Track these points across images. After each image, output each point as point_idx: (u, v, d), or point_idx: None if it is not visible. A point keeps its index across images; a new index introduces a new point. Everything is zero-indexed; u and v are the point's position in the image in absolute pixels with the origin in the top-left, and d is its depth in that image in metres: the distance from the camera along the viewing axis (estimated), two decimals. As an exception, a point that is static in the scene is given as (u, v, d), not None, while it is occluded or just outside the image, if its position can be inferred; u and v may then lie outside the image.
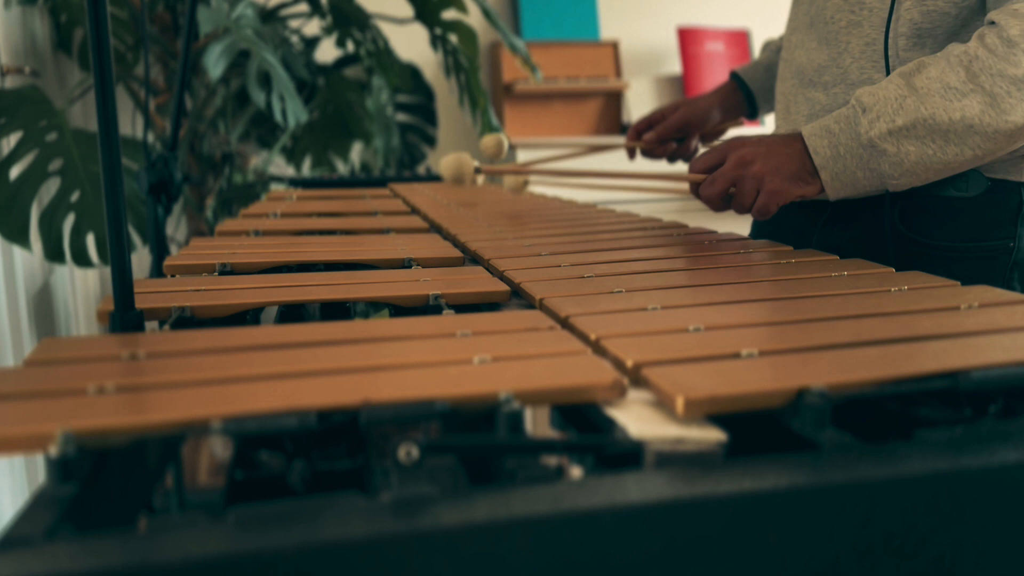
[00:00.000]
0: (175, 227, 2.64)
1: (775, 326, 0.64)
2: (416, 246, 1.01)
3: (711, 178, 0.98)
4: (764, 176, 0.95)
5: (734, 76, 1.39)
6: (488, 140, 1.27)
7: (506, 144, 1.23)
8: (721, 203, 0.99)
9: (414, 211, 1.38)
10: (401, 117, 2.92)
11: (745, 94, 1.37)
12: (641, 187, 1.17)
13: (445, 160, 1.05)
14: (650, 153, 1.39)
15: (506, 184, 1.35)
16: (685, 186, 1.05)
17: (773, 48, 1.37)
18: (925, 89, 0.89)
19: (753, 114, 1.40)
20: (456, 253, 0.97)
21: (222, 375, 0.53)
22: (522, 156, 2.77)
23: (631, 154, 1.41)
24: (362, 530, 0.38)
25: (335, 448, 0.50)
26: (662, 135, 1.36)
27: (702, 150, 1.33)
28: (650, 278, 0.82)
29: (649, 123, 1.38)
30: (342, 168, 2.80)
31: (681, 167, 1.02)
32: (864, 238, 1.05)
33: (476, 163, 1.03)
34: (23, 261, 1.96)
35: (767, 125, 2.57)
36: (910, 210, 1.02)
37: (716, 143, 1.36)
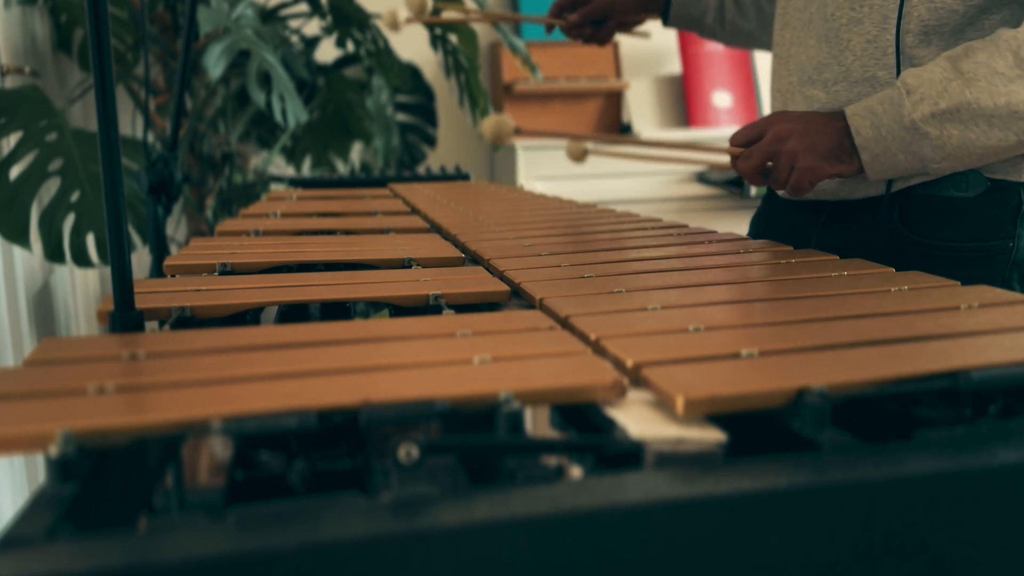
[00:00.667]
0: (175, 227, 2.64)
1: (775, 326, 0.64)
2: (416, 246, 1.01)
3: (747, 152, 0.98)
4: (798, 153, 0.95)
5: None
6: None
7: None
8: (758, 177, 0.99)
9: (414, 211, 1.38)
10: (401, 117, 2.91)
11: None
12: (681, 158, 1.15)
13: (487, 121, 1.06)
14: (568, 32, 1.39)
15: (568, 153, 1.34)
16: (725, 158, 1.04)
17: None
18: (972, 73, 0.89)
19: (665, 19, 1.39)
20: (456, 253, 0.97)
21: (222, 375, 0.53)
22: (523, 155, 2.77)
23: (548, 30, 1.40)
24: (362, 530, 0.38)
25: (335, 448, 0.50)
26: (586, 16, 1.35)
27: (619, 37, 1.32)
28: (650, 278, 0.82)
29: (573, 3, 1.37)
30: (342, 168, 2.80)
31: (722, 141, 1.03)
32: (863, 238, 1.05)
33: (514, 124, 1.04)
34: (23, 261, 1.96)
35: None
36: (910, 210, 1.02)
37: (637, 31, 1.37)
